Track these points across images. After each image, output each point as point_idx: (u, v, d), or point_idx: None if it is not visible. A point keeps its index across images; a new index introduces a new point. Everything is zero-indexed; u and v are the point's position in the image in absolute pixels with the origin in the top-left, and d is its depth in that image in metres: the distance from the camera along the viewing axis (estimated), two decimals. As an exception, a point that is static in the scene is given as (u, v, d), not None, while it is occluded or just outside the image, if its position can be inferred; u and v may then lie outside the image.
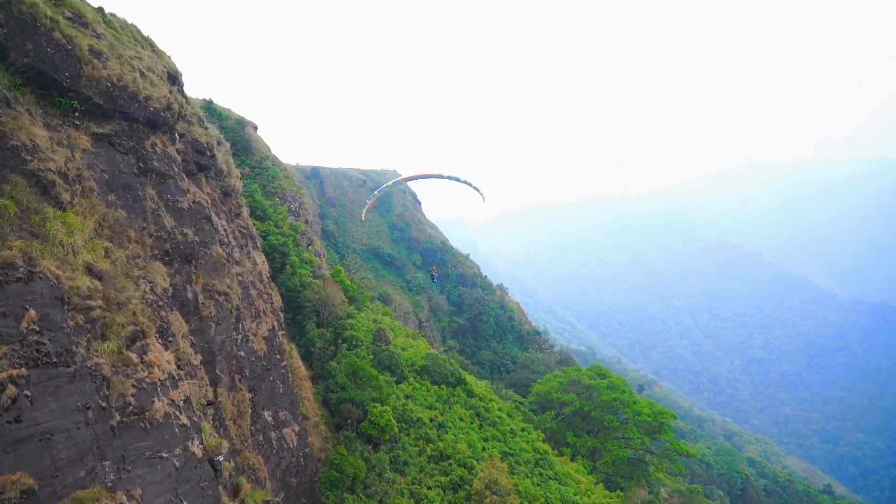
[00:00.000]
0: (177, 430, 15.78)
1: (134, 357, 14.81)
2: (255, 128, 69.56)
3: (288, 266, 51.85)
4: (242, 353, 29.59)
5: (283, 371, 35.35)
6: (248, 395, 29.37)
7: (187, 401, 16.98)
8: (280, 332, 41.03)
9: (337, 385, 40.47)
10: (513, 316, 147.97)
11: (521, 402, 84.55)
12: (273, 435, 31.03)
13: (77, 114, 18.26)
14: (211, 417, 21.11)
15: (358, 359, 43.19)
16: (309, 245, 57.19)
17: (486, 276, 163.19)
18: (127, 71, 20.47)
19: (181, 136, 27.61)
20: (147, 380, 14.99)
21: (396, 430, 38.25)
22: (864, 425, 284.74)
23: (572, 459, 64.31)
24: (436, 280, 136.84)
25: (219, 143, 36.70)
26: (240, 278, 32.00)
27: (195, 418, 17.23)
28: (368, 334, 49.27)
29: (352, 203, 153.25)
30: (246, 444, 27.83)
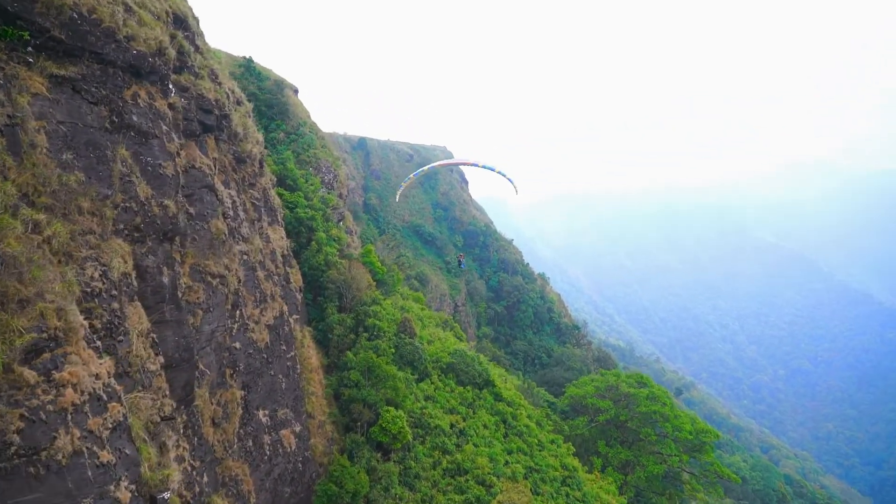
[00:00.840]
0: (90, 472, 11.75)
1: (31, 376, 10.85)
2: (296, 91, 65.82)
3: (313, 242, 48.13)
4: (238, 345, 25.86)
5: (288, 363, 31.66)
6: (240, 394, 25.68)
7: (119, 427, 13.00)
8: (292, 318, 37.34)
9: (350, 380, 36.67)
10: (552, 307, 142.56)
11: (552, 403, 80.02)
12: (267, 438, 27.40)
13: (30, 49, 14.20)
14: (169, 434, 17.33)
15: (375, 354, 39.28)
16: (340, 221, 53.41)
17: (528, 263, 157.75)
18: (105, 1, 16.31)
19: (183, 89, 23.67)
20: (49, 407, 11.04)
21: (410, 437, 34.29)
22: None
23: (602, 471, 60.16)
24: (462, 266, 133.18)
25: (238, 103, 32.79)
26: (245, 257, 28.21)
27: (129, 450, 13.27)
28: (392, 324, 45.30)
29: (397, 177, 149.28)
30: (230, 452, 24.16)
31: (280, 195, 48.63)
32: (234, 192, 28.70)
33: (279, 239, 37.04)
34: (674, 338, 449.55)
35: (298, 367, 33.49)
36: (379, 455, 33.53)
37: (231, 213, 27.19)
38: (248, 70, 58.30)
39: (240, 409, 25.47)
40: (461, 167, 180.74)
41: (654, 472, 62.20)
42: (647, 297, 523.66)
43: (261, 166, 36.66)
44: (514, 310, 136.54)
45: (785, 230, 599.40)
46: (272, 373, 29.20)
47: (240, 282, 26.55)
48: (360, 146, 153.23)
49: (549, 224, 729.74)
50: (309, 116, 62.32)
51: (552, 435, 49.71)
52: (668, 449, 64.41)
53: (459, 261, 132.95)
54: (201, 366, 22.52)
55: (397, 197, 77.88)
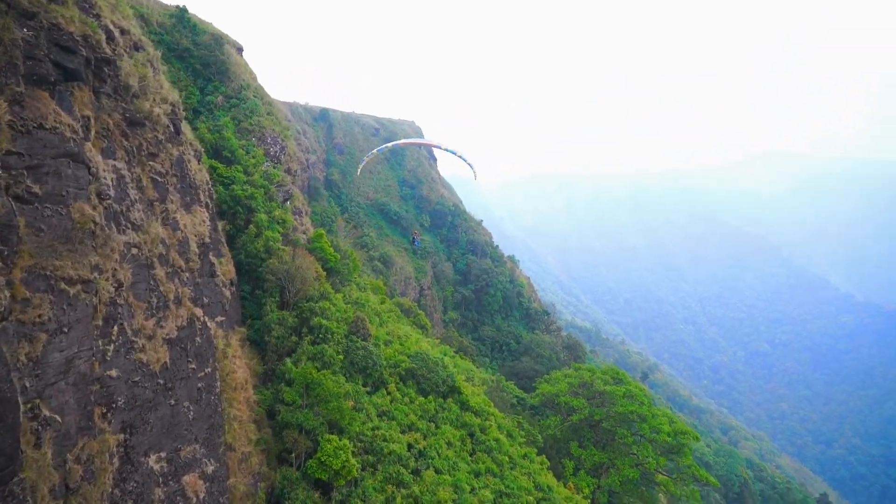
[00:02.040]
0: None
1: None
2: (240, 50, 57.58)
3: (252, 226, 40.94)
4: (115, 373, 18.87)
5: (200, 385, 24.83)
6: (118, 439, 18.83)
7: None
8: (215, 321, 30.40)
9: (283, 400, 29.97)
10: (522, 292, 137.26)
11: (522, 399, 74.75)
12: (160, 493, 20.65)
13: None
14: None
15: (320, 361, 32.56)
16: (286, 200, 46.16)
17: (497, 245, 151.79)
18: None
19: (24, 15, 16.56)
20: None
21: (357, 471, 27.75)
22: (861, 430, 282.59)
23: (573, 474, 55.54)
24: (416, 244, 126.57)
25: (136, 48, 25.34)
26: (134, 251, 21.12)
27: None
28: (343, 324, 38.55)
29: (361, 152, 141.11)
30: (92, 526, 17.44)
31: (214, 169, 41.24)
32: (121, 165, 21.53)
33: (199, 223, 29.88)
34: (638, 319, 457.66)
35: (217, 385, 26.73)
36: (317, 495, 27.00)
37: (112, 192, 20.02)
38: (180, 21, 49.90)
39: (116, 460, 18.67)
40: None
41: (629, 476, 57.98)
42: (612, 278, 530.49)
43: (175, 132, 29.35)
44: (483, 294, 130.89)
45: (750, 216, 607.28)
46: (173, 402, 22.33)
47: (121, 286, 19.53)
48: (322, 118, 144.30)
49: (519, 203, 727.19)
50: (255, 79, 54.39)
51: (524, 448, 43.85)
52: (644, 451, 60.08)
53: (413, 238, 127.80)
54: (46, 411, 15.67)
55: (358, 171, 71.57)
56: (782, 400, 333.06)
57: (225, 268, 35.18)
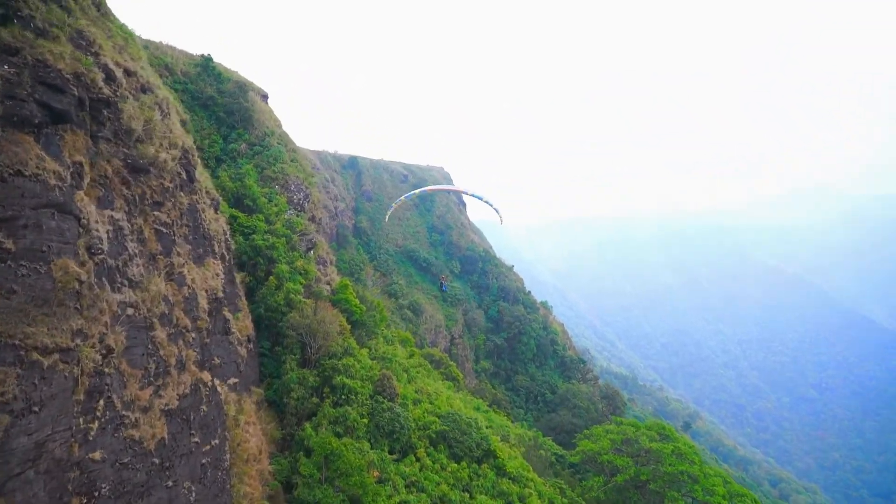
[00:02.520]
0: None
1: None
2: (265, 97, 56.77)
3: (272, 277, 38.69)
4: (100, 455, 16.27)
5: (206, 460, 22.07)
6: (99, 535, 16.13)
7: None
8: (227, 383, 27.84)
9: (301, 472, 26.95)
10: (556, 339, 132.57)
11: (561, 456, 70.17)
12: None
13: None
14: None
15: (342, 426, 29.59)
16: (309, 249, 44.06)
17: (529, 291, 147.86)
18: None
19: (7, 50, 14.75)
20: None
21: (381, 559, 24.37)
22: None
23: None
24: (444, 289, 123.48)
25: (144, 91, 23.61)
26: (130, 312, 18.77)
27: None
28: (368, 383, 35.61)
29: (390, 199, 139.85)
30: None
31: (234, 218, 39.34)
32: (119, 215, 19.39)
33: (211, 277, 27.61)
34: (675, 364, 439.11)
35: (226, 459, 23.95)
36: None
37: (106, 246, 17.78)
38: (205, 70, 49.26)
39: (97, 561, 15.88)
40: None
41: (682, 546, 52.82)
42: (647, 322, 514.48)
43: (189, 179, 27.49)
44: (516, 342, 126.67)
45: (786, 254, 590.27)
46: (171, 483, 19.56)
47: (110, 352, 17.07)
48: (351, 165, 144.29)
49: (547, 247, 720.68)
50: (279, 126, 53.29)
51: (569, 520, 39.75)
52: (697, 517, 54.77)
53: (441, 283, 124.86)
54: (10, 507, 13.11)
55: (386, 219, 69.90)
56: (833, 449, 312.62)
57: (241, 323, 32.78)
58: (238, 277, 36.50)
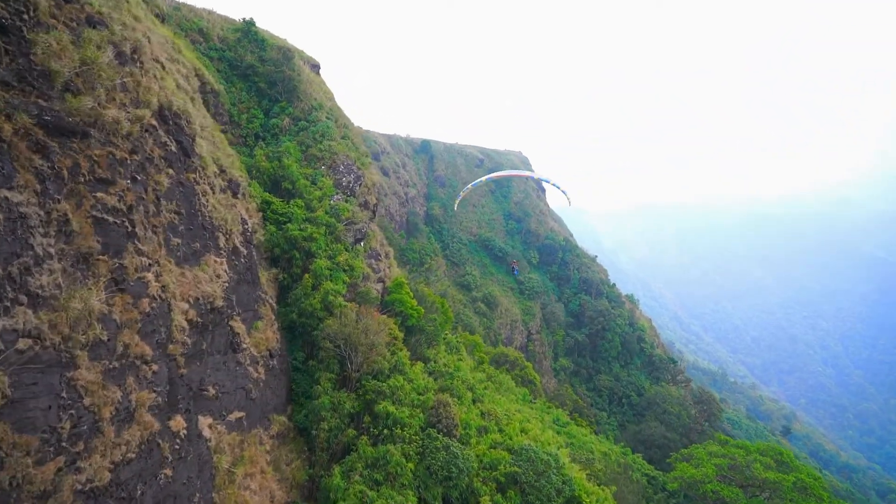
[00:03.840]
0: None
1: None
2: (316, 67, 50.10)
3: (307, 275, 31.96)
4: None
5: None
6: None
7: None
8: (217, 424, 21.18)
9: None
10: (643, 336, 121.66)
11: (653, 478, 60.99)
12: None
13: None
14: None
15: (371, 489, 22.39)
16: (359, 241, 37.21)
17: (614, 284, 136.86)
18: None
19: None
20: None
21: None
22: None
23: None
24: (515, 273, 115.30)
25: (93, 24, 17.03)
26: (23, 345, 12.22)
27: None
28: (419, 412, 28.24)
29: (464, 184, 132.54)
30: None
31: (268, 204, 32.90)
32: (21, 198, 12.83)
33: (206, 281, 20.96)
34: (768, 359, 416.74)
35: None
36: None
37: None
38: (245, 35, 42.96)
39: None
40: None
41: None
42: (737, 314, 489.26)
43: (183, 153, 21.03)
44: (598, 338, 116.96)
45: (893, 243, 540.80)
46: None
47: None
48: (424, 149, 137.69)
49: (629, 235, 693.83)
50: (330, 99, 46.58)
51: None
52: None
53: (513, 268, 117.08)
54: None
55: (455, 206, 63.86)
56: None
57: (261, 335, 26.18)
58: (264, 276, 29.99)
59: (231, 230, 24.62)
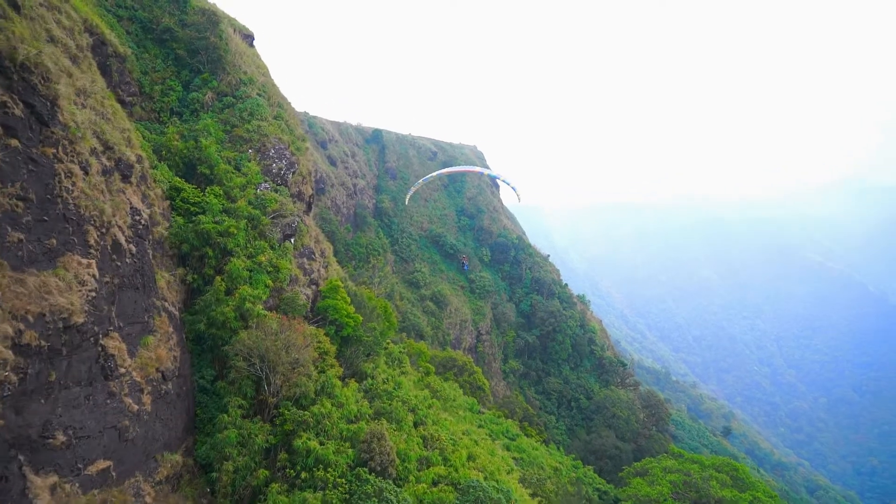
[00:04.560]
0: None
1: None
2: (249, 38, 44.03)
3: (219, 278, 26.79)
4: None
5: None
6: None
7: None
8: (66, 484, 16.06)
9: None
10: (594, 338, 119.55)
11: (604, 493, 57.87)
12: None
13: None
14: None
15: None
16: (288, 237, 32.08)
17: (566, 284, 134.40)
18: None
19: None
20: None
21: None
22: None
23: None
24: (465, 268, 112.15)
25: None
26: None
27: None
28: (347, 446, 23.57)
29: (416, 177, 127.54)
30: None
31: (177, 192, 27.57)
32: None
33: (60, 290, 15.81)
34: (708, 358, 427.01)
35: None
36: None
37: None
38: (160, -10, 37.24)
39: None
40: (493, 169, 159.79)
41: None
42: (681, 314, 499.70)
43: (38, 120, 15.71)
44: (549, 340, 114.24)
45: (833, 251, 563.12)
46: None
47: None
48: (375, 139, 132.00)
49: (585, 233, 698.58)
50: (265, 74, 40.71)
51: None
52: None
53: (463, 263, 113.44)
54: None
55: (406, 200, 59.81)
56: (871, 454, 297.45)
57: (150, 354, 20.98)
58: (164, 279, 24.69)
59: (110, 223, 19.36)
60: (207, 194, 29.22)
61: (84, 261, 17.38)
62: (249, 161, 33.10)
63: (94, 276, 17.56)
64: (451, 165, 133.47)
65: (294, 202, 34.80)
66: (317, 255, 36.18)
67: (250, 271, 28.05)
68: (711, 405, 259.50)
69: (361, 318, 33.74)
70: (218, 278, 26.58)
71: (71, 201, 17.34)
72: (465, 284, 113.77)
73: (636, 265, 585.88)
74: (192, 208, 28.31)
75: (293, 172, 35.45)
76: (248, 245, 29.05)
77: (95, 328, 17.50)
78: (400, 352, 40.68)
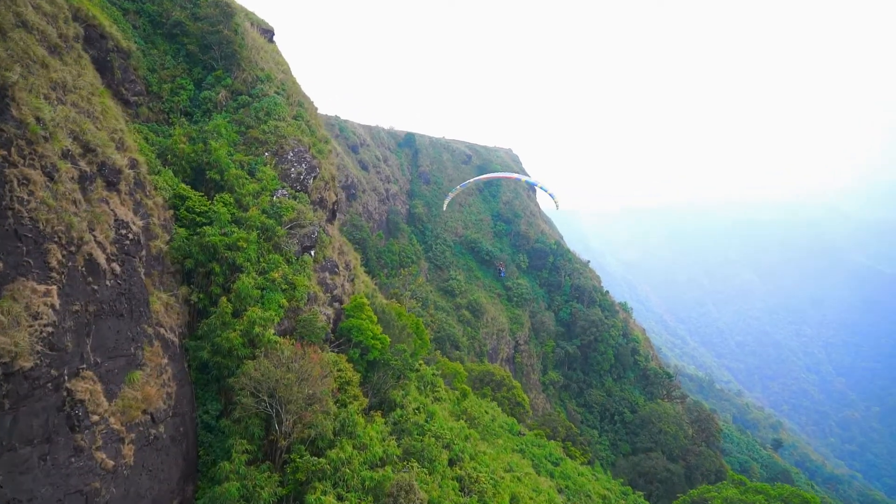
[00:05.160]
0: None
1: None
2: (269, 34, 40.85)
3: (223, 299, 23.45)
4: None
5: None
6: None
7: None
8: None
9: None
10: (637, 348, 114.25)
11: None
12: None
13: None
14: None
15: None
16: (308, 249, 28.67)
17: (607, 291, 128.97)
18: None
19: None
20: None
21: None
22: None
23: None
24: (502, 274, 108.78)
25: None
26: None
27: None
28: (370, 497, 20.09)
29: (450, 182, 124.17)
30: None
31: (182, 200, 24.47)
32: None
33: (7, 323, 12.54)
34: (752, 364, 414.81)
35: None
36: None
37: None
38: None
39: None
40: (528, 171, 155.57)
41: None
42: (723, 318, 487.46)
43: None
44: (590, 350, 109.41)
45: (885, 254, 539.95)
46: None
47: None
48: (408, 143, 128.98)
49: (620, 236, 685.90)
50: (285, 72, 37.49)
51: None
52: None
53: (499, 269, 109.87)
54: None
55: (444, 206, 57.09)
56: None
57: (136, 393, 17.66)
58: (160, 301, 21.46)
59: (82, 239, 16.10)
60: (216, 203, 25.98)
61: (41, 287, 14.09)
62: (265, 165, 29.80)
63: (52, 306, 14.23)
64: (486, 169, 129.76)
65: (315, 210, 31.40)
66: (340, 268, 32.68)
67: (262, 289, 24.64)
68: (758, 415, 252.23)
69: (389, 340, 30.10)
70: (223, 299, 23.22)
71: (26, 214, 14.10)
72: (502, 292, 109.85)
73: (673, 269, 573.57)
74: (198, 218, 25.09)
75: (314, 177, 32.06)
76: (261, 259, 25.68)
77: (53, 371, 14.15)
78: (433, 374, 36.92)
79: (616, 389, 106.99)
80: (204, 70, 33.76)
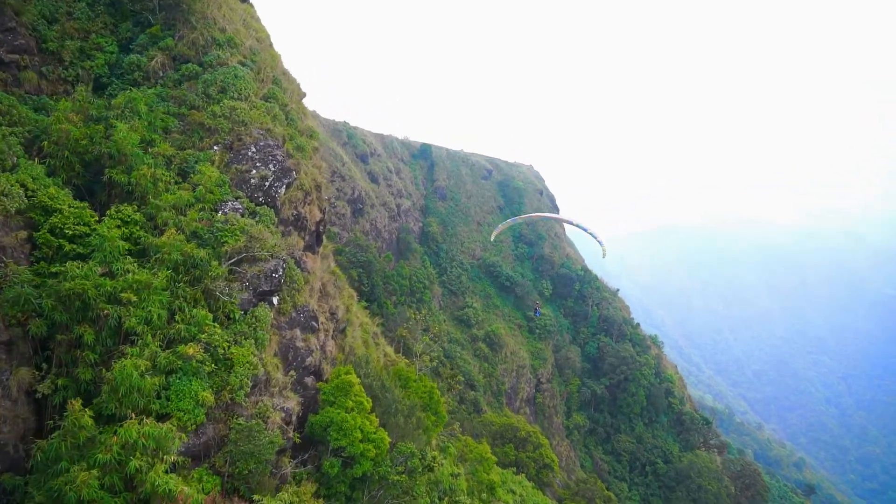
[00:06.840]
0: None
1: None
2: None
3: (78, 403, 12.80)
4: None
5: None
6: None
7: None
8: None
9: None
10: (672, 389, 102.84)
11: None
12: None
13: None
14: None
15: None
16: (268, 296, 18.10)
17: (638, 324, 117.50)
18: None
19: None
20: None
21: None
22: None
23: None
24: (537, 314, 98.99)
25: None
26: None
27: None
28: None
29: (469, 198, 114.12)
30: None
31: (47, 212, 13.59)
32: None
33: None
34: (769, 394, 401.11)
35: None
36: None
37: None
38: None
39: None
40: (549, 189, 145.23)
41: None
42: (739, 346, 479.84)
43: None
44: (619, 390, 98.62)
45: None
46: None
47: None
48: (423, 154, 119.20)
49: (635, 258, 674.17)
50: (262, 41, 26.91)
51: None
52: None
53: (535, 310, 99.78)
54: None
55: (492, 237, 48.30)
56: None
57: None
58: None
59: None
60: (104, 221, 15.41)
61: None
62: (208, 163, 19.31)
63: None
64: (507, 185, 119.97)
65: (286, 233, 20.86)
66: (322, 320, 21.97)
67: (167, 374, 13.96)
68: (780, 451, 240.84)
69: (389, 440, 19.27)
70: (75, 403, 12.47)
71: None
72: (523, 323, 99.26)
73: (688, 293, 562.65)
74: (67, 247, 14.52)
75: (287, 185, 21.44)
76: (176, 318, 15.04)
77: None
78: (452, 476, 25.75)
79: (648, 436, 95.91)
80: (136, 27, 23.40)
